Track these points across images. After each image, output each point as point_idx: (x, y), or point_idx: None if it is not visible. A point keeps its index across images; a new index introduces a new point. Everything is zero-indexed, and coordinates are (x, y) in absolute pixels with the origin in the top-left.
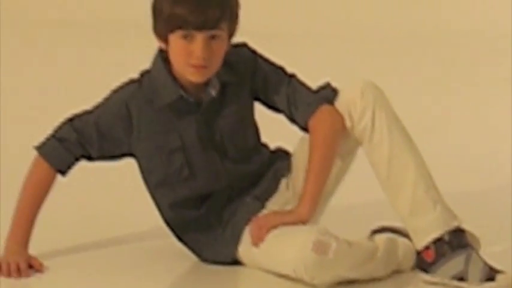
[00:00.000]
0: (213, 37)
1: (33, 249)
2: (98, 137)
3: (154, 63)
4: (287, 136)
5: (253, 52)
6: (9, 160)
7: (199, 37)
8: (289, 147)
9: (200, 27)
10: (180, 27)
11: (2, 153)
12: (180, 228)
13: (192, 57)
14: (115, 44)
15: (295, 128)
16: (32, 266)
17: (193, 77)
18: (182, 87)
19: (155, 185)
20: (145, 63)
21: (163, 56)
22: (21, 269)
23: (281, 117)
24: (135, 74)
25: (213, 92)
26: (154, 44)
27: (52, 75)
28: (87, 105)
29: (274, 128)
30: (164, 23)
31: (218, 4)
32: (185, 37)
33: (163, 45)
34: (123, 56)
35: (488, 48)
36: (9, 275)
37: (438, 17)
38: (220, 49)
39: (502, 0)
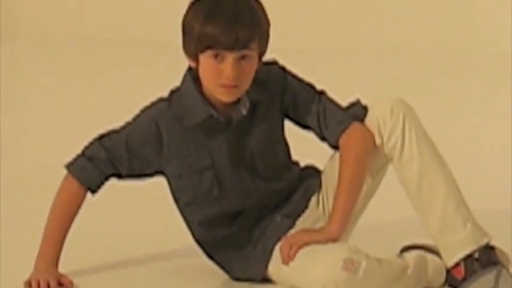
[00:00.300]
0: (243, 57)
1: (63, 267)
2: (128, 156)
3: (184, 81)
4: (317, 153)
5: (283, 69)
6: (39, 183)
7: (230, 57)
8: (319, 165)
9: (231, 48)
10: (210, 47)
11: (23, 173)
12: (210, 246)
13: (222, 77)
14: (143, 62)
15: (325, 146)
16: (62, 284)
17: (223, 96)
18: (212, 105)
19: (185, 203)
20: (175, 81)
21: (193, 75)
22: (51, 287)
23: (311, 135)
24: (164, 92)
25: (244, 111)
26: (184, 62)
27: (81, 93)
28: (117, 124)
29: (304, 146)
30: (194, 43)
31: (249, 24)
32: (215, 56)
33: (193, 64)
34: (152, 74)
35: None
36: None
37: (467, 35)
38: (251, 69)
39: None
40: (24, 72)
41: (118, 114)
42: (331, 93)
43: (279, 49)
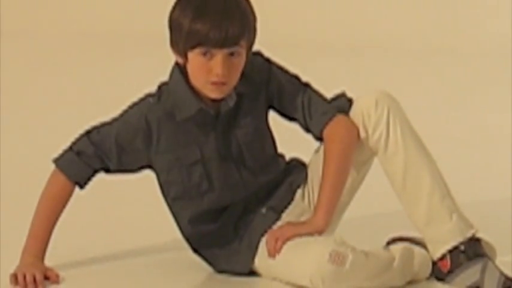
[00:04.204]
0: (232, 53)
1: (49, 261)
2: (117, 150)
3: (172, 75)
4: (303, 146)
5: (268, 60)
6: (30, 176)
7: (219, 55)
8: (304, 158)
9: (220, 45)
10: (199, 45)
11: (17, 168)
12: (197, 242)
13: (212, 74)
14: (130, 56)
15: (310, 139)
16: (48, 278)
17: (213, 93)
18: (201, 99)
19: (174, 198)
20: (164, 75)
21: (181, 69)
22: (37, 280)
23: (297, 128)
24: (153, 86)
25: (230, 103)
26: (171, 55)
27: (70, 87)
28: (104, 118)
29: (289, 139)
30: (183, 40)
31: (238, 21)
32: (204, 54)
33: (181, 60)
34: (143, 68)
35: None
36: (25, 286)
37: (452, 30)
38: (239, 65)
39: None
40: (11, 68)
41: (109, 108)
42: (316, 86)
43: (264, 40)
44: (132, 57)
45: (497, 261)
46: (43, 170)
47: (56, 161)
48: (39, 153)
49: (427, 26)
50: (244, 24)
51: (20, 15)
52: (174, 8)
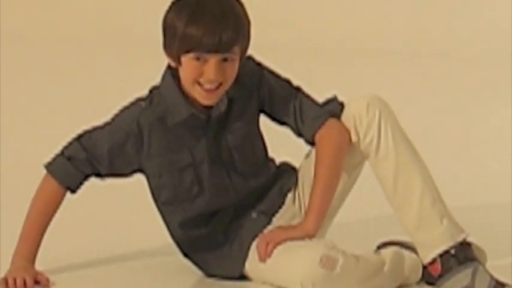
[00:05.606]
0: (225, 59)
1: (40, 265)
2: (108, 155)
3: (164, 79)
4: (293, 150)
5: (259, 65)
6: (25, 180)
7: (213, 60)
8: (295, 162)
9: (214, 51)
10: (193, 50)
11: (13, 172)
12: (188, 246)
13: (204, 80)
14: (128, 59)
15: (301, 142)
16: (39, 282)
17: (204, 100)
18: (192, 103)
19: (164, 202)
20: (156, 78)
21: (172, 73)
22: (27, 284)
23: (287, 132)
24: (142, 89)
25: (222, 108)
26: (164, 59)
27: (65, 91)
28: (96, 122)
29: (280, 143)
30: (177, 44)
31: (233, 26)
32: (198, 59)
33: (173, 64)
34: (136, 71)
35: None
36: None
37: (446, 32)
38: (232, 71)
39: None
40: (10, 71)
41: (102, 112)
42: (307, 90)
43: (256, 44)
44: (130, 60)
45: (494, 265)
46: (39, 175)
47: (48, 166)
48: (35, 156)
49: (422, 28)
50: (238, 30)
51: (20, 19)
52: (168, 10)
